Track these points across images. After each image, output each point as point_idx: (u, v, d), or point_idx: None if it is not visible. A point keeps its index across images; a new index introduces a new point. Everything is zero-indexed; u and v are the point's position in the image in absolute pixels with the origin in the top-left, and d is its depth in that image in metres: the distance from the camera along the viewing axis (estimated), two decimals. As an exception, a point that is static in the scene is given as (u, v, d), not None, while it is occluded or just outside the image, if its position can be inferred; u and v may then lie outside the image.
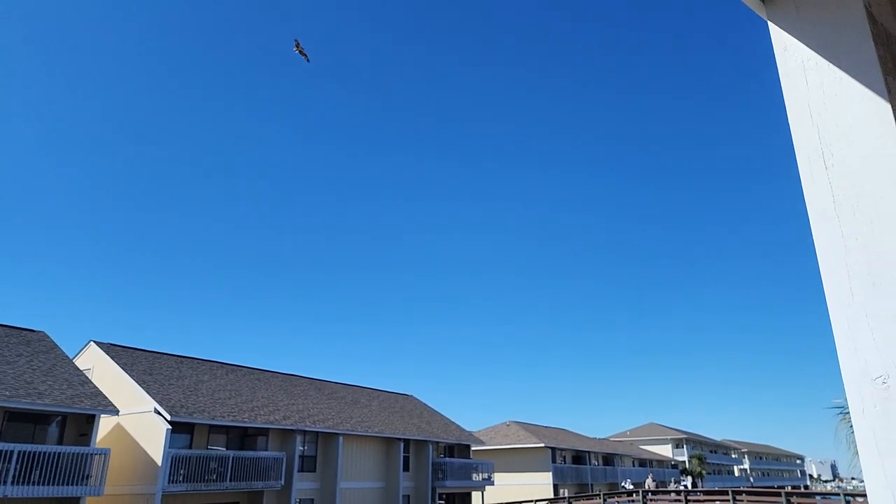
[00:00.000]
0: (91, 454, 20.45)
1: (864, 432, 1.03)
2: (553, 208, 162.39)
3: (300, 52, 8.68)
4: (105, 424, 23.51)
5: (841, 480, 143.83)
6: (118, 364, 25.70)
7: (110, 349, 27.21)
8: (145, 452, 22.84)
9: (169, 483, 21.77)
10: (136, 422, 23.57)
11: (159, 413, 23.00)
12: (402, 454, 32.73)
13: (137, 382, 24.41)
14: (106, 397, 22.56)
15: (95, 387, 23.16)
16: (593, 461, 53.40)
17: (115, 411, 22.13)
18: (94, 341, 27.38)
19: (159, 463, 21.94)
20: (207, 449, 24.63)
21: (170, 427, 22.50)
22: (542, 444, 45.75)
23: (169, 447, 22.20)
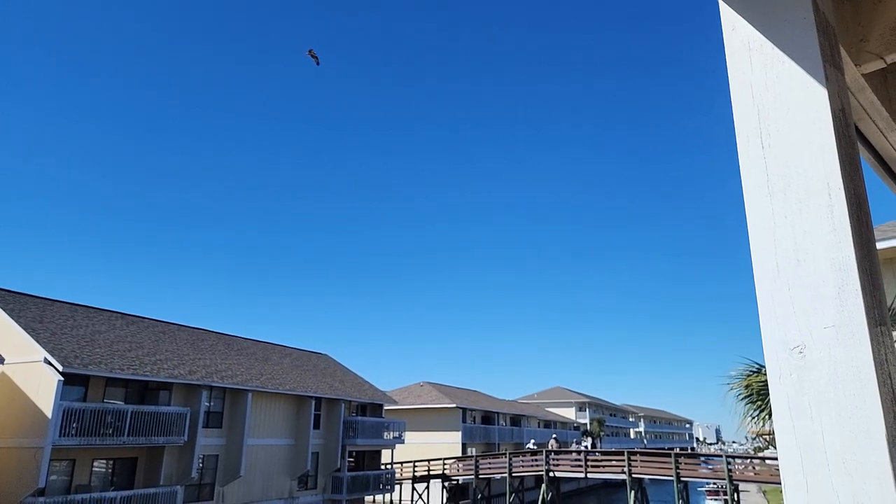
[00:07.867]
0: (-31, 405, 18.91)
1: (779, 397, 1.10)
2: (464, 191, 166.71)
3: (311, 55, 8.96)
4: (-13, 374, 21.78)
5: (724, 443, 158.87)
6: (3, 310, 23.61)
7: (-6, 293, 24.94)
8: (34, 405, 21.34)
9: (60, 436, 20.58)
10: (25, 372, 21.91)
11: (50, 363, 21.51)
12: (313, 412, 32.64)
13: (25, 330, 22.59)
14: (-12, 345, 20.82)
15: (-24, 333, 21.30)
16: (501, 422, 55.74)
17: (0, 360, 20.51)
18: (-24, 284, 24.97)
19: (49, 416, 20.63)
20: (104, 402, 23.40)
21: (62, 378, 21.12)
22: (454, 405, 47.13)
23: (60, 399, 20.89)
